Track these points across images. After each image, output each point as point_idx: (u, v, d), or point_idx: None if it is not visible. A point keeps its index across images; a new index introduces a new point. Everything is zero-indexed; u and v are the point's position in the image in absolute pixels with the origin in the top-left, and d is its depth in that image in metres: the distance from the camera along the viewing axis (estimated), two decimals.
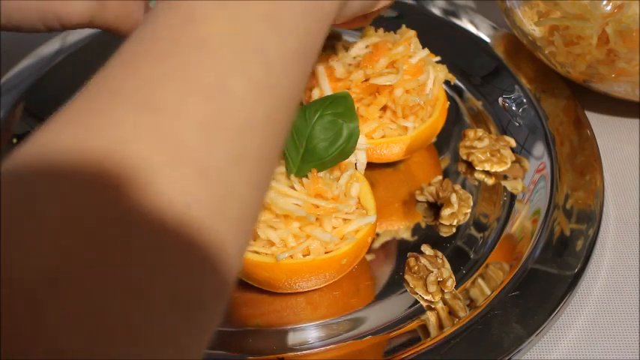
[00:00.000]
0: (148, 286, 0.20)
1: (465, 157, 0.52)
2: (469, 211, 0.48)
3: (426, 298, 0.43)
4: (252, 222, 0.25)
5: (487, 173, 0.51)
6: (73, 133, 0.22)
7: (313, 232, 0.40)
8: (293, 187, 0.40)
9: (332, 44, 0.50)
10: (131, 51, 0.24)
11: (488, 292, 0.43)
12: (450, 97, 0.56)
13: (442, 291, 0.43)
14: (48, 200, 0.20)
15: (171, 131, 0.22)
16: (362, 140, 0.46)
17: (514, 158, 0.51)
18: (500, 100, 0.56)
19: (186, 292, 0.21)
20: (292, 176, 0.41)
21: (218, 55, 0.24)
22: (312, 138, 0.41)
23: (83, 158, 0.21)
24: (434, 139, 0.52)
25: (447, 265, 0.45)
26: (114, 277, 0.19)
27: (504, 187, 0.50)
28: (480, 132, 0.52)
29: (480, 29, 0.61)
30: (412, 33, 0.50)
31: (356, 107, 0.46)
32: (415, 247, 0.46)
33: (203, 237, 0.21)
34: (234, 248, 0.23)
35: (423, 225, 0.48)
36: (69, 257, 0.19)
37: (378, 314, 0.43)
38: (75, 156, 0.21)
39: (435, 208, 0.49)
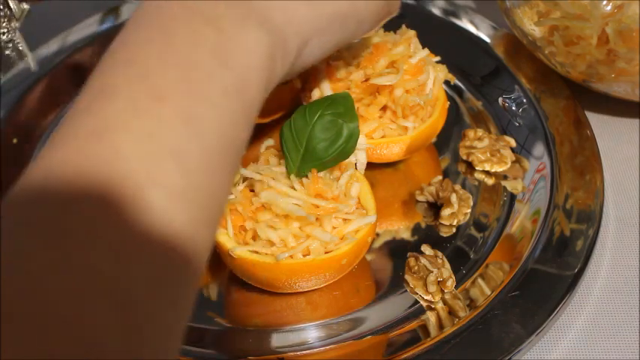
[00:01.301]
0: (142, 286, 0.21)
1: (465, 157, 0.52)
2: (469, 211, 0.48)
3: (426, 298, 0.43)
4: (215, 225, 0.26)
5: (487, 173, 0.51)
6: None
7: (313, 232, 0.40)
8: (293, 187, 0.40)
9: None
10: (43, 167, 0.23)
11: (488, 292, 0.43)
12: (450, 97, 0.56)
13: (442, 291, 0.43)
14: (49, 213, 0.21)
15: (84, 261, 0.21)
16: (362, 140, 0.46)
17: (514, 158, 0.51)
18: (500, 100, 0.56)
19: (172, 289, 0.22)
20: (292, 176, 0.41)
21: (132, 172, 0.22)
22: (312, 138, 0.41)
23: None
24: (434, 139, 0.52)
25: (447, 265, 0.45)
26: (109, 282, 0.20)
27: (504, 187, 0.50)
28: (480, 132, 0.52)
29: (480, 29, 0.61)
30: (412, 33, 0.50)
31: (356, 107, 0.46)
32: (415, 247, 0.46)
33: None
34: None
35: (423, 225, 0.48)
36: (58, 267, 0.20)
37: (378, 314, 0.43)
38: None
39: (435, 208, 0.49)
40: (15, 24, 0.44)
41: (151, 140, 0.23)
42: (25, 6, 0.44)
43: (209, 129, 0.25)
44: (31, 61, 0.48)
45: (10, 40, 0.45)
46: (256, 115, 0.28)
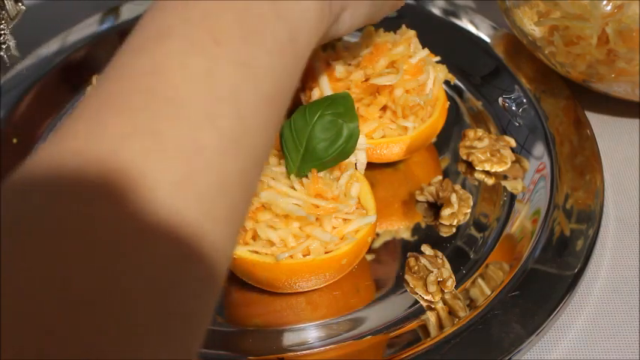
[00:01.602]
0: (142, 284, 0.20)
1: (465, 157, 0.52)
2: (469, 211, 0.48)
3: (426, 298, 0.43)
4: (239, 226, 0.25)
5: (487, 173, 0.51)
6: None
7: (313, 232, 0.40)
8: (293, 187, 0.40)
9: (332, 44, 0.50)
10: (97, 100, 0.23)
11: (488, 292, 0.43)
12: (450, 97, 0.56)
13: (442, 291, 0.43)
14: (44, 209, 0.20)
15: (138, 193, 0.21)
16: (362, 140, 0.46)
17: (514, 158, 0.51)
18: (500, 100, 0.56)
19: (179, 289, 0.21)
20: (292, 176, 0.41)
21: (189, 109, 0.23)
22: (312, 138, 0.41)
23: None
24: (434, 139, 0.52)
25: (447, 265, 0.45)
26: (108, 281, 0.20)
27: (504, 187, 0.50)
28: (480, 132, 0.52)
29: (480, 29, 0.61)
30: (412, 33, 0.50)
31: (356, 107, 0.46)
32: (415, 247, 0.46)
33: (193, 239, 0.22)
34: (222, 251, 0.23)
35: (423, 225, 0.48)
36: (63, 261, 0.19)
37: (378, 314, 0.43)
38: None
39: (435, 208, 0.49)
40: (10, 25, 0.44)
41: (206, 83, 0.23)
42: (22, 6, 0.44)
43: (261, 76, 0.25)
44: (23, 62, 0.47)
45: (4, 42, 0.44)
46: (301, 73, 0.29)
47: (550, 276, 0.42)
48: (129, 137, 0.22)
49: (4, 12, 0.42)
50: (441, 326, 0.41)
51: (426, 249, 0.46)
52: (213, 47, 0.24)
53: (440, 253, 0.45)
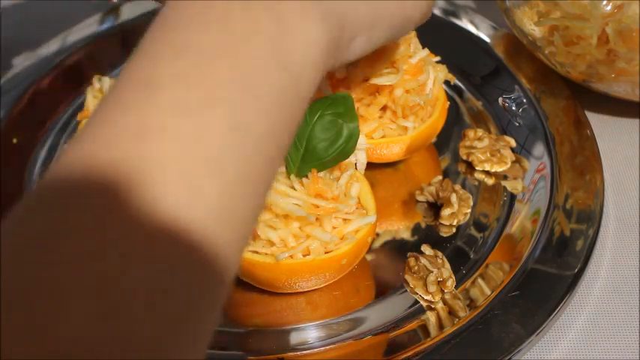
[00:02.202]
0: (147, 289, 0.20)
1: (465, 157, 0.52)
2: (469, 211, 0.48)
3: (426, 298, 0.43)
4: (248, 233, 0.24)
5: (487, 173, 0.51)
6: None
7: (313, 232, 0.40)
8: (293, 187, 0.40)
9: None
10: (80, 155, 0.21)
11: (488, 292, 0.43)
12: (450, 97, 0.56)
13: (442, 291, 0.43)
14: (63, 211, 0.20)
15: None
16: (362, 140, 0.46)
17: (514, 158, 0.51)
18: (500, 100, 0.56)
19: (184, 295, 0.21)
20: (292, 176, 0.41)
21: (172, 180, 0.21)
22: (312, 138, 0.41)
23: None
24: (434, 139, 0.52)
25: (447, 265, 0.45)
26: (113, 284, 0.20)
27: (504, 187, 0.50)
28: (480, 132, 0.52)
29: (480, 29, 0.61)
30: (412, 33, 0.50)
31: (356, 107, 0.46)
32: (415, 247, 0.46)
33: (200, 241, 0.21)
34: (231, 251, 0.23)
35: (423, 225, 0.48)
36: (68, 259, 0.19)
37: (378, 314, 0.43)
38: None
39: (435, 208, 0.49)
40: None
41: (193, 150, 0.21)
42: None
43: (258, 136, 0.23)
44: (23, 62, 0.47)
45: None
46: (303, 116, 0.26)
47: (550, 276, 0.42)
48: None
49: None
50: (441, 326, 0.41)
51: (426, 249, 0.46)
52: (204, 109, 0.22)
53: (440, 253, 0.45)
